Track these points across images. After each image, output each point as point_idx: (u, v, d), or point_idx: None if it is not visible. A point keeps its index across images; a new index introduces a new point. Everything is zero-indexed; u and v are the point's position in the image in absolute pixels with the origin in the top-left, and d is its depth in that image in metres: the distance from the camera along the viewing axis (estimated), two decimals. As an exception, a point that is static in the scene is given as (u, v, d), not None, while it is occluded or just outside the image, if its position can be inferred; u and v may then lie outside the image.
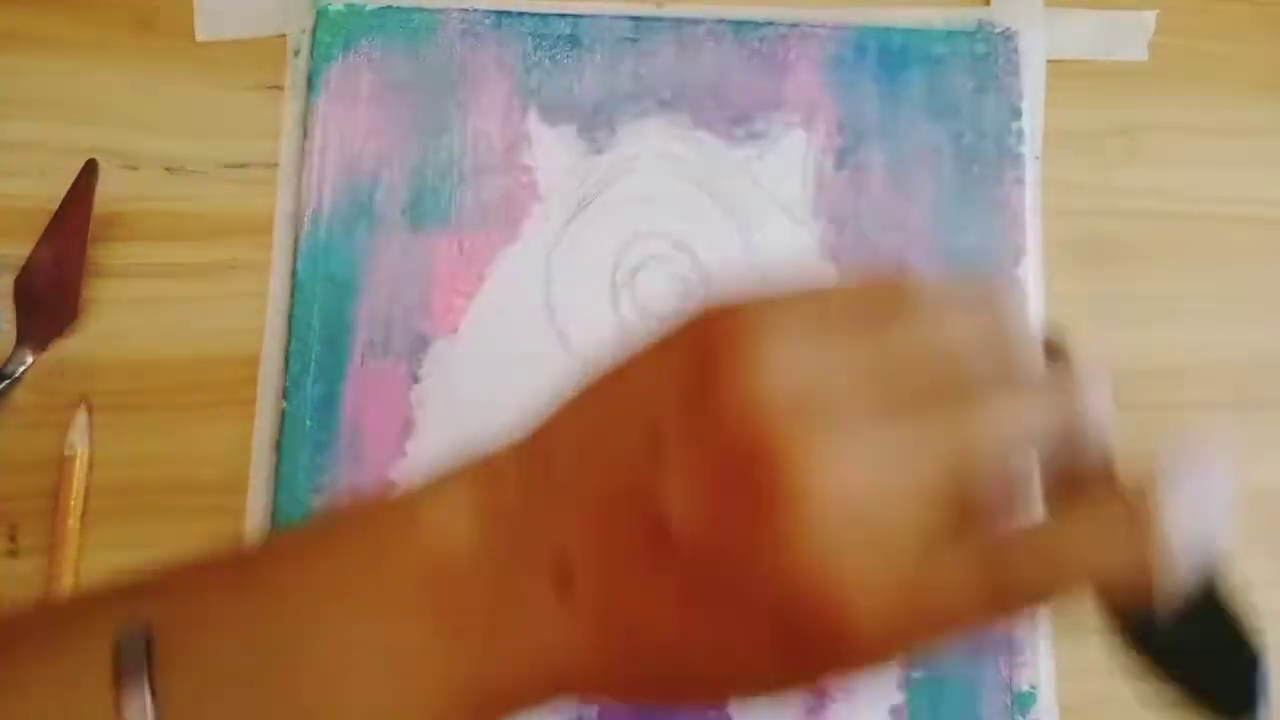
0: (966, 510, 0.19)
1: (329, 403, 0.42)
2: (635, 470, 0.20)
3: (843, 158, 0.45)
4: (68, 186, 0.42)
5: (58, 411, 0.42)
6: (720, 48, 0.45)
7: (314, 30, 0.45)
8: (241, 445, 0.42)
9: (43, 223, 0.43)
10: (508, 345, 0.43)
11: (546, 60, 0.45)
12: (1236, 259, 0.45)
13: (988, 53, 0.46)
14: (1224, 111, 0.47)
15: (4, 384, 0.42)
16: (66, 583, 0.40)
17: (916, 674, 0.41)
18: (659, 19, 0.45)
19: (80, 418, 0.41)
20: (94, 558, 0.41)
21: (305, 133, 0.44)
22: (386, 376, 0.42)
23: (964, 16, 0.46)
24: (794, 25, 0.46)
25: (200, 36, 0.45)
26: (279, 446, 0.41)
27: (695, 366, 0.20)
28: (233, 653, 0.21)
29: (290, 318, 0.42)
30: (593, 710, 0.40)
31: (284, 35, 0.45)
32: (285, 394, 0.42)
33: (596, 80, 0.45)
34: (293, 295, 0.43)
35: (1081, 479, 0.21)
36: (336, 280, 0.43)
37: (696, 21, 0.45)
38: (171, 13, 0.45)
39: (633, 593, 0.19)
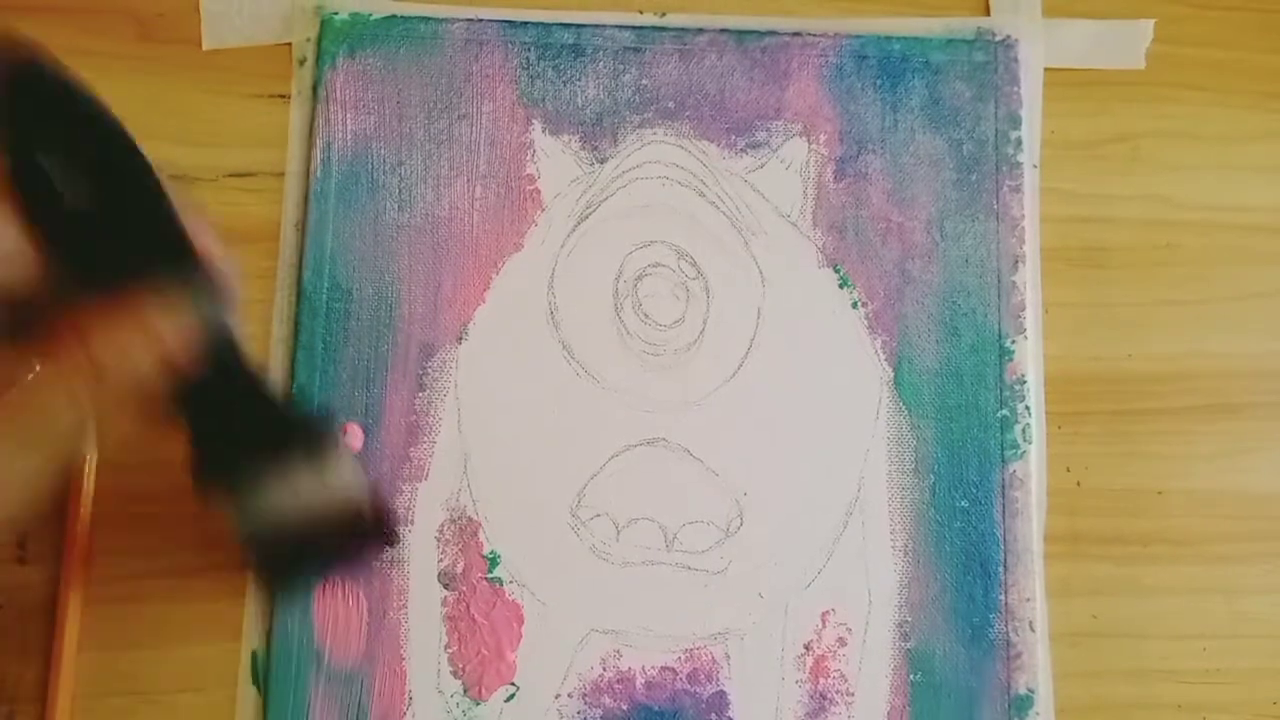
0: None
1: (334, 411, 0.42)
2: None
3: (843, 166, 0.45)
4: (74, 195, 0.42)
5: (66, 419, 0.42)
6: (722, 57, 0.45)
7: (319, 39, 0.45)
8: (248, 452, 0.42)
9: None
10: (512, 352, 0.43)
11: (550, 70, 0.45)
12: (1235, 266, 0.46)
13: (987, 61, 0.46)
14: (1221, 119, 0.47)
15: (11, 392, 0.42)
16: (75, 588, 0.40)
17: (916, 677, 0.41)
18: (661, 29, 0.46)
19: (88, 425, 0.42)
20: (102, 563, 0.41)
21: (310, 141, 0.44)
22: (391, 384, 0.42)
23: (963, 25, 0.47)
24: (795, 34, 0.46)
25: (206, 45, 0.45)
26: (285, 453, 0.42)
27: None
28: None
29: (296, 326, 0.43)
30: (596, 712, 0.41)
31: (289, 44, 0.46)
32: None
33: (599, 90, 0.45)
34: (298, 304, 0.43)
35: None
36: (342, 289, 0.43)
37: (698, 31, 0.46)
38: (177, 21, 0.46)
39: None
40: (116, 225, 0.29)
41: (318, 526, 0.36)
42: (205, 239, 0.31)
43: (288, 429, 0.34)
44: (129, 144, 0.29)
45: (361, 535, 0.38)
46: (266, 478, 0.34)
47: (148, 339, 0.29)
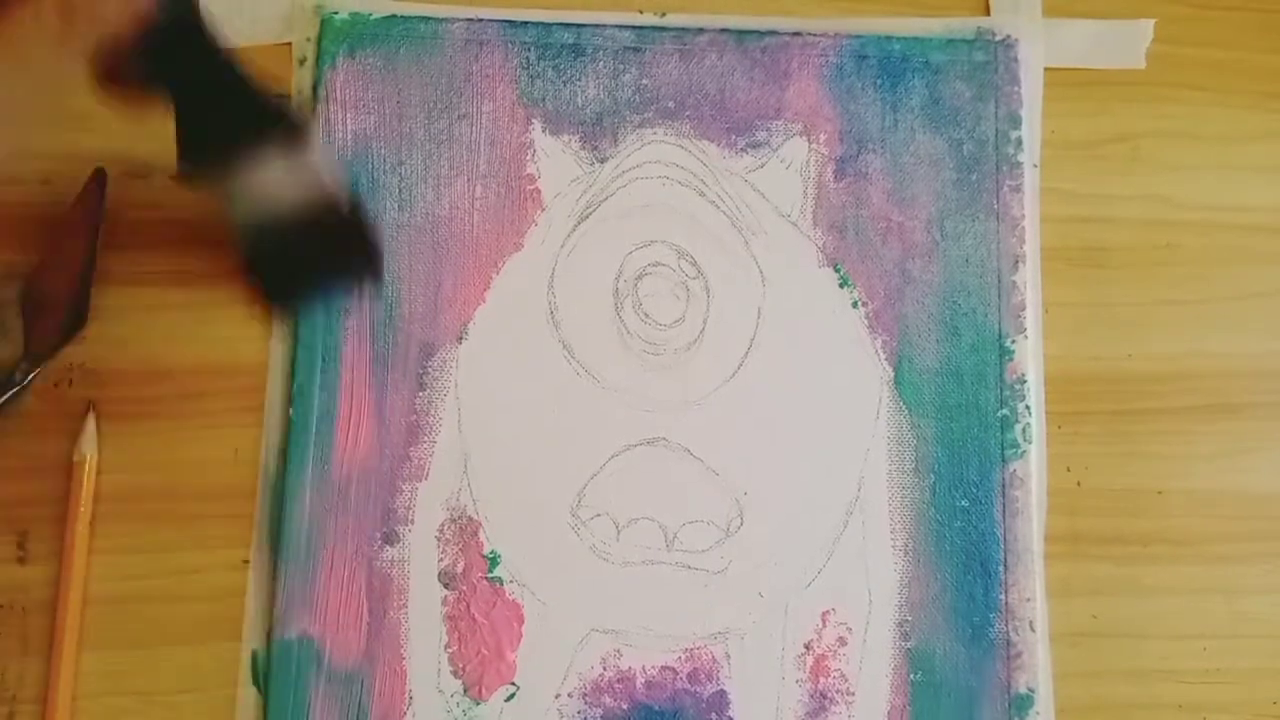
0: None
1: (334, 410, 0.42)
2: None
3: (843, 166, 0.45)
4: (73, 194, 0.43)
5: (65, 419, 0.42)
6: (722, 57, 0.46)
7: (318, 39, 0.45)
8: (248, 452, 0.42)
9: (48, 231, 0.43)
10: (512, 352, 0.43)
11: (550, 70, 0.45)
12: (1235, 266, 0.46)
13: (987, 61, 0.46)
14: (1221, 119, 0.47)
15: (12, 391, 0.42)
16: (76, 588, 0.40)
17: (916, 677, 0.41)
18: (661, 29, 0.46)
19: (88, 425, 0.42)
20: (102, 563, 0.41)
21: (310, 141, 0.44)
22: (392, 384, 0.42)
23: (963, 25, 0.47)
24: (795, 34, 0.46)
25: (205, 45, 0.45)
26: (285, 453, 0.42)
27: None
28: None
29: (295, 325, 0.43)
30: (596, 712, 0.41)
31: (289, 44, 0.46)
32: (291, 401, 0.42)
33: (599, 89, 0.45)
34: (298, 303, 0.43)
35: None
36: (342, 288, 0.43)
37: (698, 31, 0.46)
38: (177, 21, 0.45)
39: None
40: None
41: (302, 219, 0.38)
42: None
43: (262, 106, 0.36)
44: None
45: (345, 238, 0.40)
46: (246, 156, 0.36)
47: None
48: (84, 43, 0.31)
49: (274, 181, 0.37)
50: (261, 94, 0.36)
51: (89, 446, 0.42)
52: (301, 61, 0.45)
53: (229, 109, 0.35)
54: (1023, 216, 0.45)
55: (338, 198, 0.39)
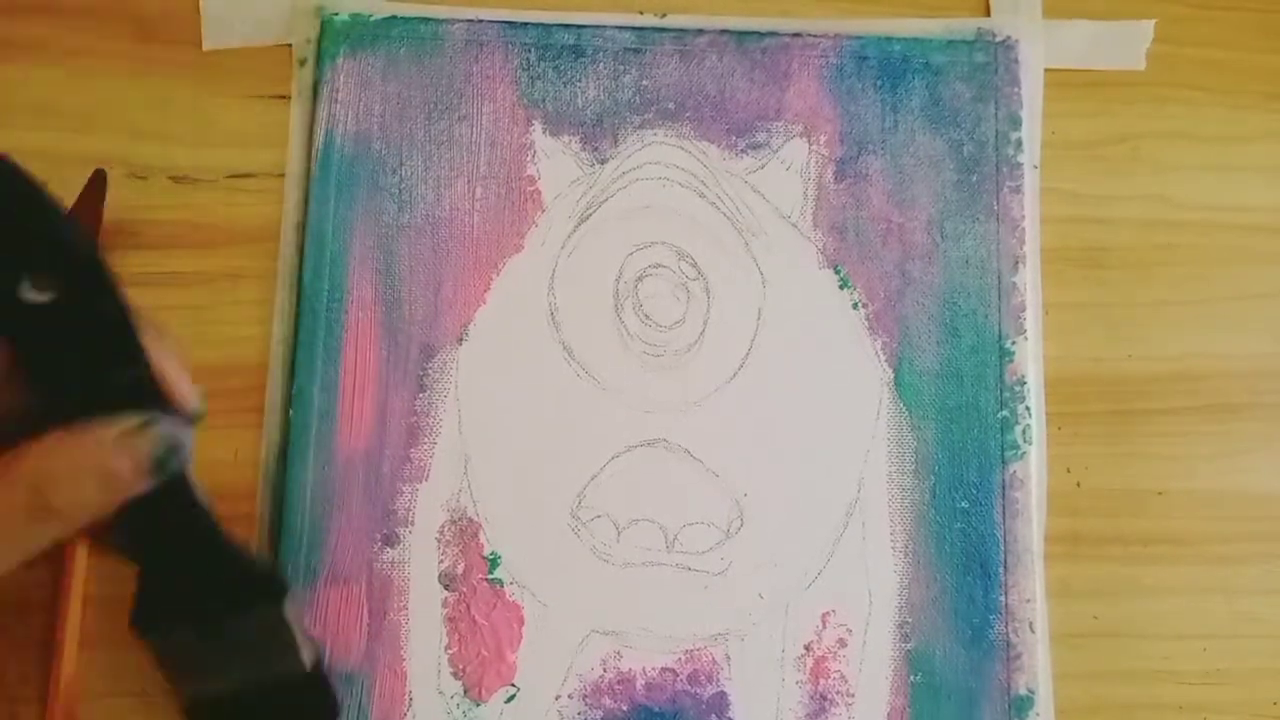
0: None
1: (334, 411, 0.42)
2: None
3: (843, 167, 0.45)
4: (73, 196, 0.43)
5: (66, 420, 0.42)
6: (722, 58, 0.46)
7: (319, 39, 0.45)
8: (248, 454, 0.42)
9: (49, 231, 0.43)
10: (512, 353, 0.43)
11: (550, 71, 0.45)
12: (1235, 266, 0.46)
13: (987, 62, 0.46)
14: (1221, 119, 0.47)
15: (12, 392, 0.42)
16: (76, 588, 0.40)
17: (916, 678, 0.41)
18: (662, 29, 0.46)
19: (88, 426, 0.42)
20: (102, 563, 0.41)
21: (310, 142, 0.44)
22: (392, 385, 0.42)
23: (964, 26, 0.47)
24: (795, 35, 0.46)
25: (206, 46, 0.45)
26: (285, 455, 0.42)
27: None
28: None
29: (296, 326, 0.43)
30: (597, 713, 0.41)
31: (289, 44, 0.46)
32: (291, 402, 0.42)
33: (599, 91, 0.45)
34: (298, 304, 0.43)
35: None
36: (342, 289, 0.43)
37: (699, 32, 0.46)
38: (177, 22, 0.46)
39: None
40: (77, 352, 0.28)
41: (263, 689, 0.34)
42: (170, 368, 0.30)
43: (240, 571, 0.33)
44: (98, 264, 0.28)
45: (307, 707, 0.36)
46: (214, 621, 0.33)
47: (99, 472, 0.28)
48: (60, 522, 0.28)
49: (240, 649, 0.33)
50: (241, 559, 0.33)
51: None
52: (302, 62, 0.45)
53: (203, 572, 0.32)
54: (1023, 217, 0.45)
55: (304, 670, 0.34)
